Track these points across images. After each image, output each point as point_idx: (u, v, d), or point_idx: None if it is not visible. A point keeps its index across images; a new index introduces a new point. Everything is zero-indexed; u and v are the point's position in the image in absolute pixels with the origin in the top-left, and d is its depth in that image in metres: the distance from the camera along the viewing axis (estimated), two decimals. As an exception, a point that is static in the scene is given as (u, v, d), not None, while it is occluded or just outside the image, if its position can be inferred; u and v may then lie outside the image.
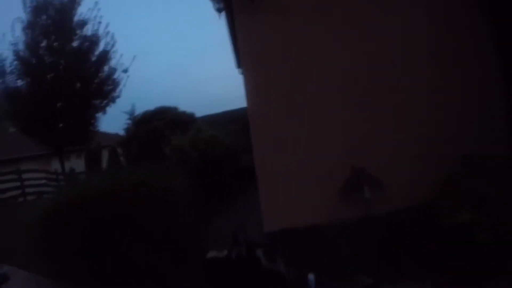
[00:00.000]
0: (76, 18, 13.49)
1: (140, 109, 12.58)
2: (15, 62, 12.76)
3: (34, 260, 4.99)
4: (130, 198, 4.79)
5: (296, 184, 4.06)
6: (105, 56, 13.87)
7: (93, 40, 13.62)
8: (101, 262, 4.32)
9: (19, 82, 12.95)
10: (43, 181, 16.11)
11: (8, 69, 12.77)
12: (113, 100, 14.38)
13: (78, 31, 13.44)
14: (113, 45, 14.06)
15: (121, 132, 16.19)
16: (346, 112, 4.22)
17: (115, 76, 14.23)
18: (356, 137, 4.18)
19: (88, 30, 13.61)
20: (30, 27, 12.78)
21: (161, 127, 10.70)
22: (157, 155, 9.73)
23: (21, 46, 12.84)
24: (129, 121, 13.57)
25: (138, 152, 14.32)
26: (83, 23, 13.53)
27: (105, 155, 16.51)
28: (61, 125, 12.97)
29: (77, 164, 17.51)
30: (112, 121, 18.86)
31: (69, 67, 13.09)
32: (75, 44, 13.35)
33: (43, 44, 12.99)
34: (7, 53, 12.79)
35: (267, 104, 4.37)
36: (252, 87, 4.42)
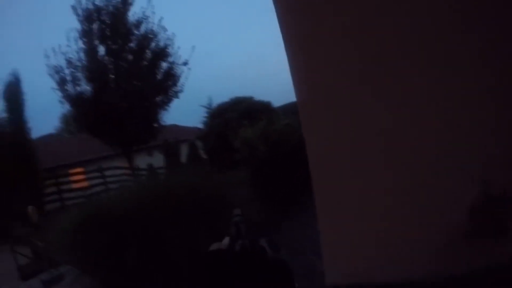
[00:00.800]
0: (131, 19, 13.52)
1: (219, 101, 12.40)
2: (71, 70, 13.06)
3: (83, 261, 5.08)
4: (171, 207, 4.77)
5: (375, 210, 2.77)
6: (162, 52, 13.82)
7: (150, 38, 13.60)
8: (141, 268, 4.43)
9: (80, 88, 13.28)
10: (124, 177, 16.79)
11: (67, 77, 13.09)
12: (175, 95, 14.43)
13: (135, 31, 13.46)
14: (171, 40, 14.01)
15: (200, 126, 16.59)
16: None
17: (175, 70, 14.19)
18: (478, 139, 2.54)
19: (144, 28, 13.63)
20: (85, 35, 12.95)
21: (234, 118, 10.29)
22: (231, 148, 9.44)
23: (76, 55, 13.11)
24: (206, 114, 13.68)
25: (214, 145, 14.43)
26: (138, 23, 13.51)
27: (184, 149, 16.82)
28: (124, 124, 13.12)
29: (159, 159, 17.95)
30: (192, 114, 19.25)
31: (128, 67, 13.23)
32: (132, 44, 13.42)
33: (101, 49, 13.20)
34: (64, 63, 13.09)
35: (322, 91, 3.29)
36: (298, 69, 3.40)
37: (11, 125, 13.45)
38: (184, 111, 15.19)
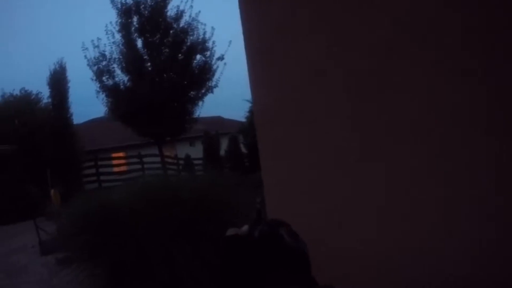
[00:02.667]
0: (169, 12, 13.82)
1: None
2: (107, 62, 13.66)
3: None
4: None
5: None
6: (198, 47, 14.03)
7: (187, 32, 13.85)
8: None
9: (115, 80, 13.88)
10: (159, 165, 17.46)
11: (104, 69, 13.70)
12: (210, 89, 14.55)
13: (173, 25, 13.76)
14: (209, 34, 14.18)
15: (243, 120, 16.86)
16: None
17: (211, 65, 14.33)
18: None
19: (182, 22, 13.88)
20: (123, 28, 13.44)
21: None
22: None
23: (113, 48, 13.70)
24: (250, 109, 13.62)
25: (252, 141, 14.37)
26: (176, 17, 13.80)
27: (225, 142, 17.21)
28: (157, 116, 13.44)
29: (199, 150, 18.40)
30: (239, 108, 19.76)
31: (164, 60, 13.59)
32: (170, 38, 13.71)
33: (139, 42, 13.69)
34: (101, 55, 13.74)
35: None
36: (258, 81, 3.35)
37: (54, 110, 14.51)
38: (232, 104, 15.47)
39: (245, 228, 0.94)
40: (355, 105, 2.65)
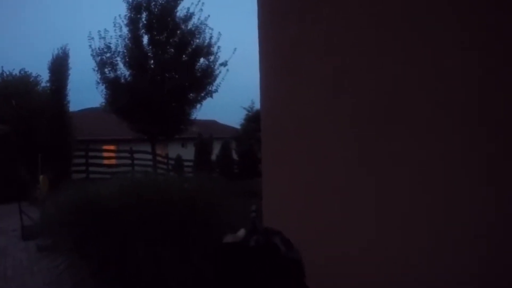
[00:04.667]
0: (179, 13, 13.92)
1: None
2: (110, 55, 13.67)
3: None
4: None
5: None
6: (203, 50, 14.08)
7: (194, 34, 13.92)
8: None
9: (117, 73, 13.85)
10: (150, 163, 17.41)
11: (107, 61, 13.70)
12: (210, 94, 14.57)
13: (181, 26, 13.84)
14: (215, 39, 14.27)
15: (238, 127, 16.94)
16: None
17: (213, 70, 14.37)
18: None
19: (190, 24, 13.94)
20: (131, 23, 13.47)
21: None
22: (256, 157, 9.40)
23: (119, 41, 13.70)
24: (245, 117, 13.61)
25: (248, 149, 14.43)
26: (186, 18, 13.88)
27: (218, 147, 17.28)
28: (154, 114, 13.41)
29: (191, 152, 18.40)
30: (235, 114, 19.91)
31: (168, 59, 13.63)
32: (176, 38, 13.78)
33: (145, 38, 13.73)
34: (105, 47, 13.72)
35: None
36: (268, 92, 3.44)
37: (51, 95, 14.44)
38: (228, 110, 15.51)
39: (242, 232, 0.93)
40: (362, 131, 2.70)
